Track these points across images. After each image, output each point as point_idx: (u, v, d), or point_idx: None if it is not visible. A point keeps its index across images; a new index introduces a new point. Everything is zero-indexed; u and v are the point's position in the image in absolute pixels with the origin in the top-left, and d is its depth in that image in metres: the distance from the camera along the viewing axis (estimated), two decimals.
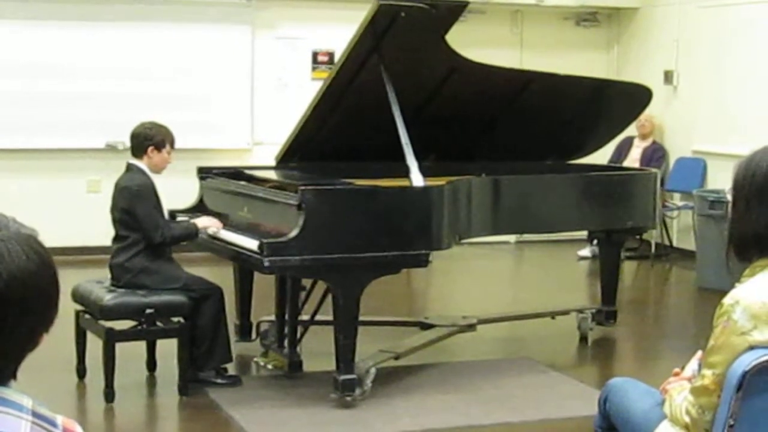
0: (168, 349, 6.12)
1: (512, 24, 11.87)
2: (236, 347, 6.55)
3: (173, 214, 6.56)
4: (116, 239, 6.11)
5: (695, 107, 10.83)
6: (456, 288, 9.83)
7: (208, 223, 6.21)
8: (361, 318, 5.78)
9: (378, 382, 5.99)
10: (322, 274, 5.78)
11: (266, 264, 5.51)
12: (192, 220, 6.27)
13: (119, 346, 5.86)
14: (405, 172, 5.91)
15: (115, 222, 6.10)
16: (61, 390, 6.02)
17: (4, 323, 1.80)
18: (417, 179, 5.88)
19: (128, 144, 6.21)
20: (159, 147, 6.08)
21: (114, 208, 6.09)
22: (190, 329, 5.99)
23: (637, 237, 10.69)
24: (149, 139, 6.07)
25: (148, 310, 5.87)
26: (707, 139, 10.66)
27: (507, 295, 9.58)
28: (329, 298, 5.98)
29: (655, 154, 11.03)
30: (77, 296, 6.12)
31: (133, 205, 5.95)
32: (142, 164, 6.08)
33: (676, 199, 11.19)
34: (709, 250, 9.21)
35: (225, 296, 6.19)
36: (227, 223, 6.26)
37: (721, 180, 9.94)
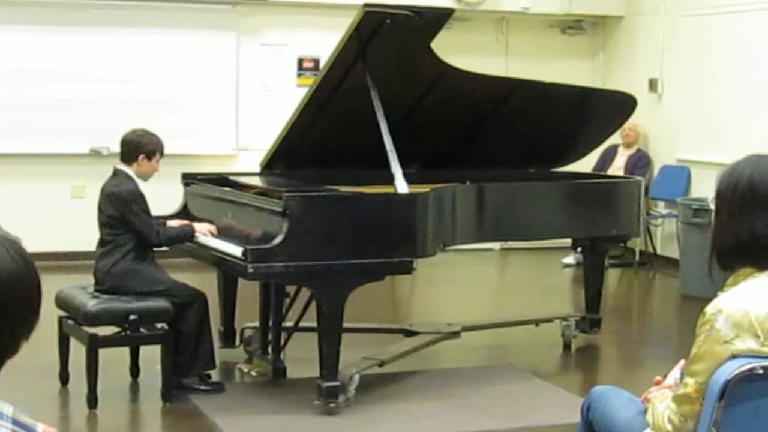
0: (151, 355, 6.10)
1: (497, 32, 11.90)
2: (220, 354, 6.54)
3: (158, 219, 6.54)
4: (100, 243, 6.10)
5: (680, 115, 10.86)
6: (440, 295, 9.82)
7: (205, 229, 6.20)
8: (345, 325, 5.77)
9: (362, 389, 5.98)
10: (306, 280, 5.77)
11: (250, 270, 5.51)
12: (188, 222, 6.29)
13: (102, 352, 5.84)
14: (389, 179, 5.91)
15: (101, 225, 6.09)
16: (43, 396, 5.99)
17: None
18: (401, 186, 5.89)
19: (113, 149, 6.23)
20: (149, 156, 6.09)
21: (100, 213, 6.08)
22: (174, 335, 5.98)
23: (621, 245, 10.72)
24: (141, 148, 6.07)
25: (132, 317, 5.85)
26: (691, 147, 10.69)
27: (491, 303, 9.59)
28: (313, 304, 5.97)
29: (640, 162, 11.06)
30: (60, 302, 6.10)
31: (124, 211, 5.95)
32: (129, 170, 6.08)
33: (660, 207, 11.22)
34: (692, 259, 9.24)
35: (209, 302, 6.17)
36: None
37: (705, 188, 9.98)
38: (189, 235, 6.16)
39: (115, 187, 6.03)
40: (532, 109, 7.17)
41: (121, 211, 5.95)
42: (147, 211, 6.04)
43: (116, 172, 6.12)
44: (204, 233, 6.17)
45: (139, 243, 6.01)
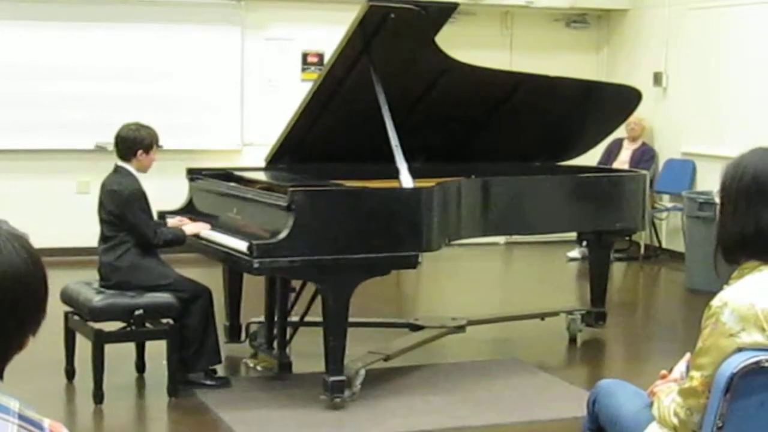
0: (157, 350, 6.11)
1: (502, 25, 11.88)
2: (225, 349, 6.55)
3: (162, 215, 6.55)
4: (103, 239, 6.10)
5: (685, 109, 10.85)
6: (445, 289, 9.83)
7: (195, 230, 6.22)
8: (350, 319, 5.78)
9: (367, 383, 5.98)
10: (311, 275, 5.77)
11: (255, 265, 5.51)
12: (181, 226, 6.28)
13: (108, 348, 5.85)
14: (395, 174, 5.91)
15: (102, 222, 6.09)
16: (49, 391, 6.00)
17: None
18: (406, 180, 5.88)
19: None
20: (147, 150, 6.08)
21: (101, 209, 6.08)
22: (180, 331, 5.99)
23: (627, 238, 10.72)
24: (138, 143, 6.06)
25: (137, 312, 5.86)
26: (696, 140, 10.68)
27: (496, 297, 9.59)
28: (319, 299, 5.97)
29: (645, 156, 11.04)
30: (66, 297, 6.11)
31: (125, 210, 5.95)
32: (130, 167, 6.08)
33: (666, 201, 11.21)
34: (698, 252, 9.23)
35: (214, 297, 6.18)
36: (215, 225, 6.26)
37: (710, 182, 9.96)
38: (181, 240, 6.18)
39: (117, 185, 6.02)
40: (537, 103, 7.17)
41: (121, 209, 5.95)
42: (147, 210, 6.05)
43: (117, 169, 6.11)
44: (194, 232, 6.19)
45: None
